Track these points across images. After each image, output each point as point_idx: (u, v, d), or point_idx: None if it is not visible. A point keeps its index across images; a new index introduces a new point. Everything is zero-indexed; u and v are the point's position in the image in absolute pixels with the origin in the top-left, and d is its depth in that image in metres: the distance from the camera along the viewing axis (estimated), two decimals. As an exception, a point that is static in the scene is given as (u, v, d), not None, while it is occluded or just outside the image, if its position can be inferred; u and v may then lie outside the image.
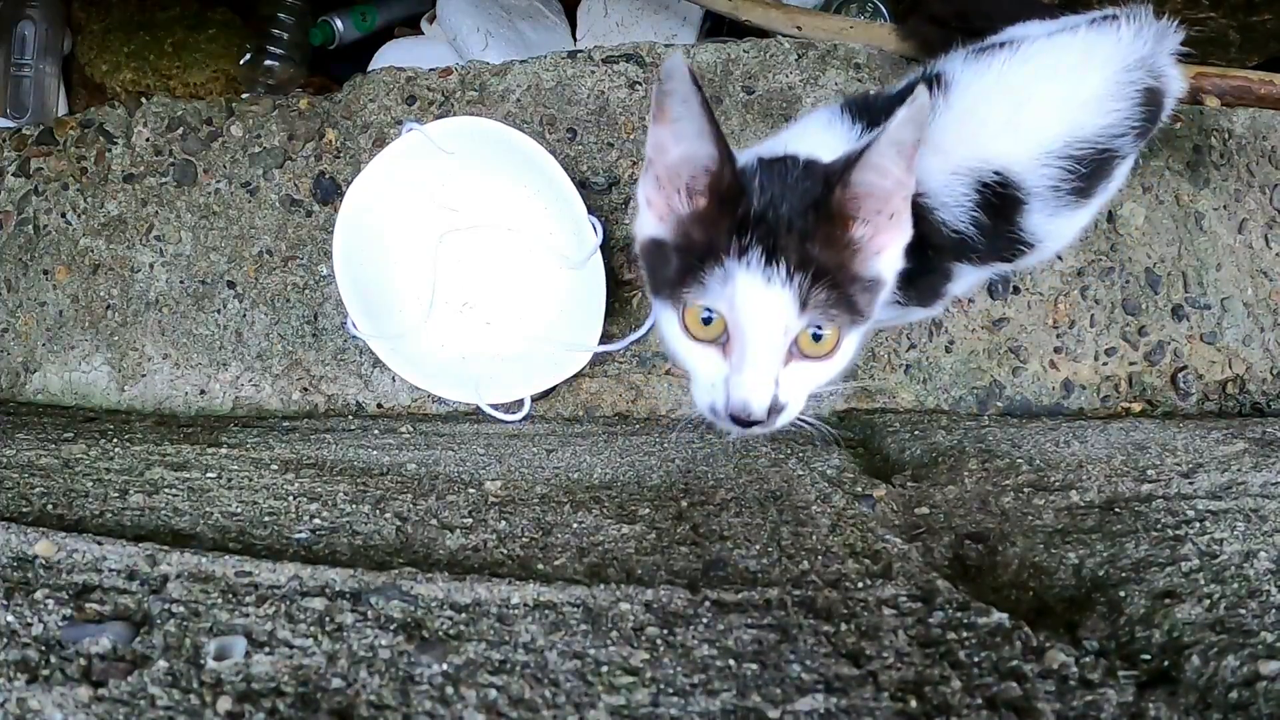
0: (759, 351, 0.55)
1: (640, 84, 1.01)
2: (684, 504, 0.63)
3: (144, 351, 1.08)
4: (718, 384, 0.58)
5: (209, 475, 0.74)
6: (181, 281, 1.08)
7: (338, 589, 0.51)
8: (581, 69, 1.02)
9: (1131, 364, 1.07)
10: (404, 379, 0.95)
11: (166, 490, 0.71)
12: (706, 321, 0.57)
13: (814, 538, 0.56)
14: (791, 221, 0.55)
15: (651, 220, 0.61)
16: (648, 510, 0.62)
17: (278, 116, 1.08)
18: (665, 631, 0.43)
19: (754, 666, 0.40)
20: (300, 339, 1.05)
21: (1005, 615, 0.47)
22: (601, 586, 0.48)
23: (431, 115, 1.03)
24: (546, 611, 0.46)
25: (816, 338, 0.57)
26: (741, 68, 1.01)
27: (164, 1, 1.36)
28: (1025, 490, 0.70)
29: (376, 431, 0.89)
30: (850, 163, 0.54)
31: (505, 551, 0.56)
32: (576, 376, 0.96)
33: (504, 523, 0.61)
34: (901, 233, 0.59)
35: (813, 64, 1.01)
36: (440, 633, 0.46)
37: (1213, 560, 0.57)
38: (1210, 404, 1.09)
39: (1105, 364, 1.06)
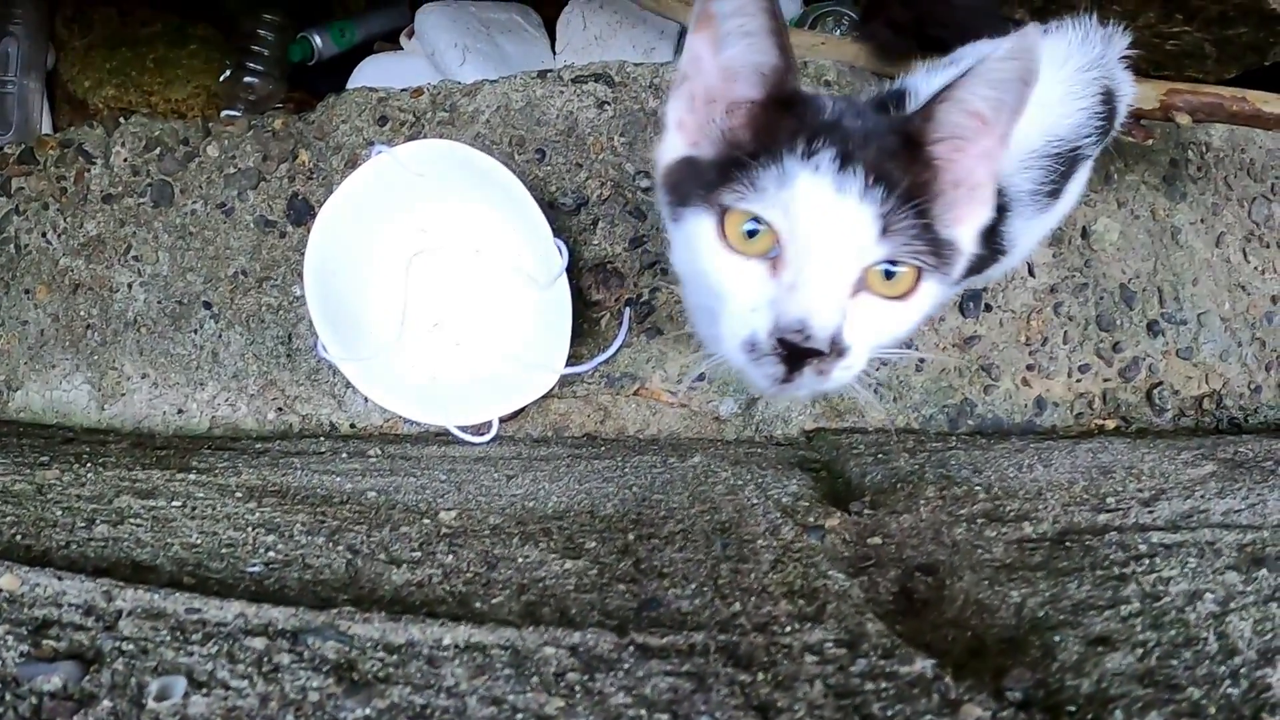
0: (825, 267, 0.46)
1: (609, 103, 1.02)
2: (631, 537, 0.65)
3: (123, 371, 1.11)
4: (761, 307, 0.48)
5: (174, 504, 0.77)
6: (159, 301, 1.10)
7: (279, 628, 0.53)
8: (551, 89, 1.03)
9: (1106, 380, 1.07)
10: (374, 401, 0.96)
11: (131, 520, 0.73)
12: (751, 234, 0.48)
13: (753, 575, 0.58)
14: (870, 135, 0.48)
15: (680, 143, 0.53)
16: (594, 544, 0.64)
17: (252, 137, 1.10)
18: (586, 677, 0.45)
19: (664, 717, 0.42)
20: (275, 359, 1.07)
21: (930, 663, 0.49)
22: (531, 629, 0.50)
23: (403, 136, 1.05)
24: (475, 654, 0.48)
25: (889, 275, 0.48)
26: (711, 87, 1.02)
27: (146, 17, 1.38)
28: (979, 521, 0.72)
29: (345, 455, 0.91)
30: (938, 95, 0.47)
31: (448, 588, 0.57)
32: (546, 397, 0.97)
33: (452, 556, 0.62)
34: (982, 208, 0.52)
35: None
36: (370, 675, 0.47)
37: (1154, 603, 0.58)
38: (1187, 419, 1.10)
39: (1079, 381, 1.06)
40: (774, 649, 0.48)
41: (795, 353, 0.47)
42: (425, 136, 1.04)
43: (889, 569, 0.65)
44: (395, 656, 0.49)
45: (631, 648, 0.47)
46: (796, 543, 0.65)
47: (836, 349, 0.48)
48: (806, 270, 0.47)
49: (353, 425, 1.05)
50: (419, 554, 0.63)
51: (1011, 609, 0.58)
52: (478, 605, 0.54)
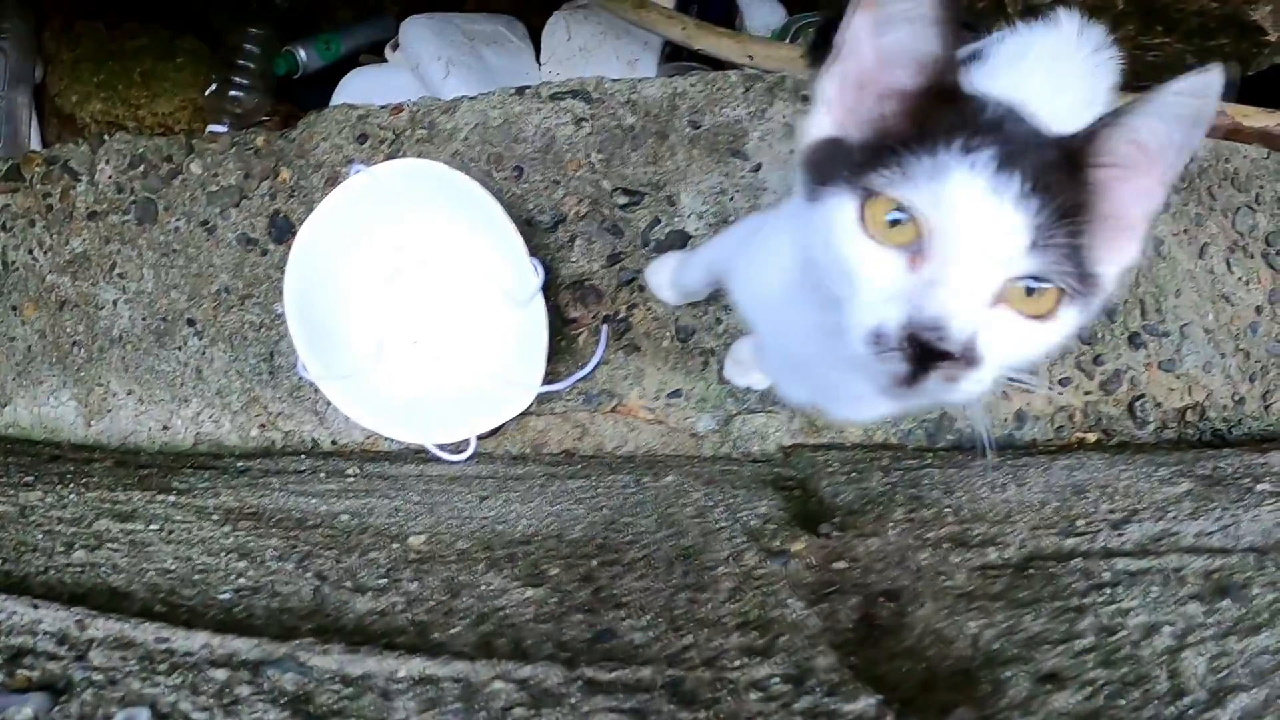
0: (970, 268, 0.45)
1: (586, 120, 1.04)
2: (594, 563, 0.67)
3: (109, 387, 1.13)
4: (897, 297, 0.45)
5: (152, 527, 0.79)
6: (144, 319, 1.12)
7: (242, 659, 0.55)
8: (529, 106, 1.04)
9: (1087, 394, 1.08)
10: (353, 420, 0.98)
11: (110, 545, 0.75)
12: (894, 224, 0.46)
13: (709, 606, 0.59)
14: (1032, 143, 0.46)
15: (827, 122, 0.51)
16: (557, 570, 0.66)
17: (235, 154, 1.12)
18: (533, 713, 0.47)
19: (603, 753, 0.43)
20: (258, 376, 1.09)
21: (875, 700, 0.50)
22: (484, 661, 0.51)
23: (382, 154, 1.06)
24: (427, 687, 0.50)
25: (1030, 292, 0.46)
26: (688, 102, 1.04)
27: (133, 30, 1.40)
28: (945, 545, 0.73)
29: (323, 474, 0.93)
30: (1104, 118, 0.45)
31: (409, 617, 0.59)
32: (524, 415, 0.99)
33: (416, 584, 0.64)
34: (1131, 249, 0.49)
35: (760, 96, 1.04)
36: (325, 708, 0.49)
37: (1109, 637, 0.59)
38: (1169, 432, 1.11)
39: (1060, 394, 1.08)
40: (720, 684, 0.49)
41: (924, 354, 0.44)
42: (404, 154, 1.06)
43: (851, 595, 0.66)
44: (351, 689, 0.51)
45: (580, 682, 0.49)
46: (759, 569, 0.67)
47: (968, 357, 0.45)
48: (950, 268, 0.45)
49: (334, 442, 1.07)
50: (384, 581, 0.65)
51: (968, 640, 0.60)
52: (435, 635, 0.56)
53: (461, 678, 0.50)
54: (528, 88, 1.06)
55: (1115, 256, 0.49)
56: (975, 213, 0.44)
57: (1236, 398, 1.11)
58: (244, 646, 0.56)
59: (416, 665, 0.52)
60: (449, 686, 0.50)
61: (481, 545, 0.72)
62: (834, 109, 0.51)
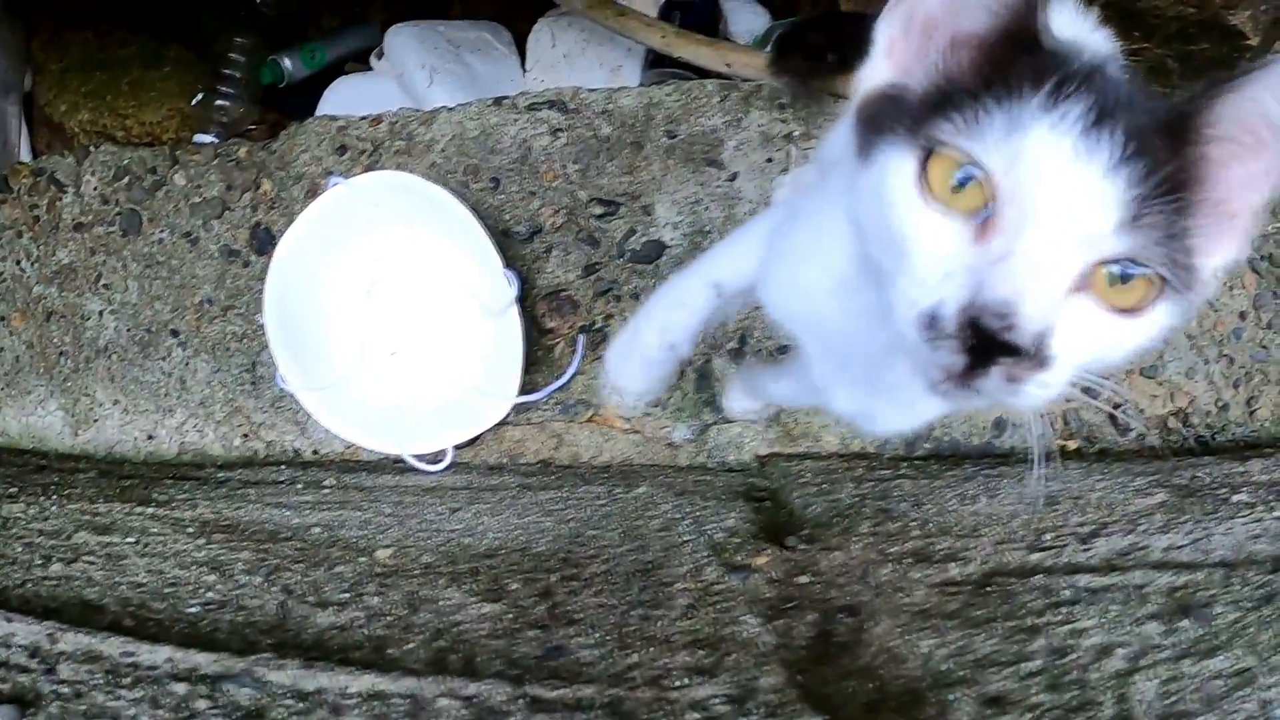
0: (1050, 243, 0.38)
1: (562, 131, 1.05)
2: (554, 578, 0.69)
3: (95, 398, 1.16)
4: (957, 272, 0.39)
5: (128, 540, 0.81)
6: (129, 330, 1.15)
7: (202, 673, 0.58)
8: (505, 117, 1.06)
9: (1067, 400, 1.09)
10: (332, 431, 1.01)
11: (86, 558, 0.78)
12: (961, 185, 0.39)
13: (661, 623, 0.61)
14: (1133, 100, 0.40)
15: (886, 69, 0.45)
16: (517, 585, 0.68)
17: (217, 166, 1.14)
18: (472, 730, 0.49)
19: (538, 771, 0.45)
20: (240, 386, 1.11)
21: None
22: (433, 678, 0.54)
23: (361, 165, 1.08)
24: (376, 703, 0.52)
25: (1124, 279, 0.39)
26: (664, 111, 1.05)
27: (121, 40, 1.43)
28: (907, 560, 0.74)
29: (300, 485, 0.95)
30: (1224, 84, 0.39)
31: (367, 632, 0.61)
32: (501, 425, 1.01)
33: (379, 598, 0.66)
34: (1236, 244, 0.43)
35: (736, 105, 1.05)
36: (276, 724, 0.51)
37: (1060, 660, 0.60)
38: (1152, 438, 1.11)
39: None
40: (660, 704, 0.51)
41: (986, 345, 0.37)
42: (383, 165, 1.08)
43: (810, 611, 0.68)
44: (303, 704, 0.53)
45: (523, 700, 0.51)
46: (717, 585, 0.68)
47: (1039, 355, 0.38)
48: (1026, 241, 0.38)
49: (315, 452, 1.09)
50: (348, 595, 0.67)
51: (920, 660, 0.61)
52: (391, 651, 0.58)
53: (411, 694, 0.52)
54: (505, 98, 1.08)
55: (1218, 249, 0.42)
56: (1059, 177, 0.37)
57: (1220, 404, 1.12)
58: (205, 661, 0.58)
59: (368, 681, 0.54)
60: (397, 703, 0.52)
61: (447, 559, 0.74)
62: (896, 54, 0.44)
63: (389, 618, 0.63)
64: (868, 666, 0.62)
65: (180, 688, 0.56)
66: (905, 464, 1.01)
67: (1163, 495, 0.91)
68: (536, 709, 0.50)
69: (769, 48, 1.19)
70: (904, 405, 0.57)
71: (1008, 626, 0.64)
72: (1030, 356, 0.38)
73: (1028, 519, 0.84)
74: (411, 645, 0.59)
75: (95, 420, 1.16)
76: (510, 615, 0.63)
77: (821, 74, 0.79)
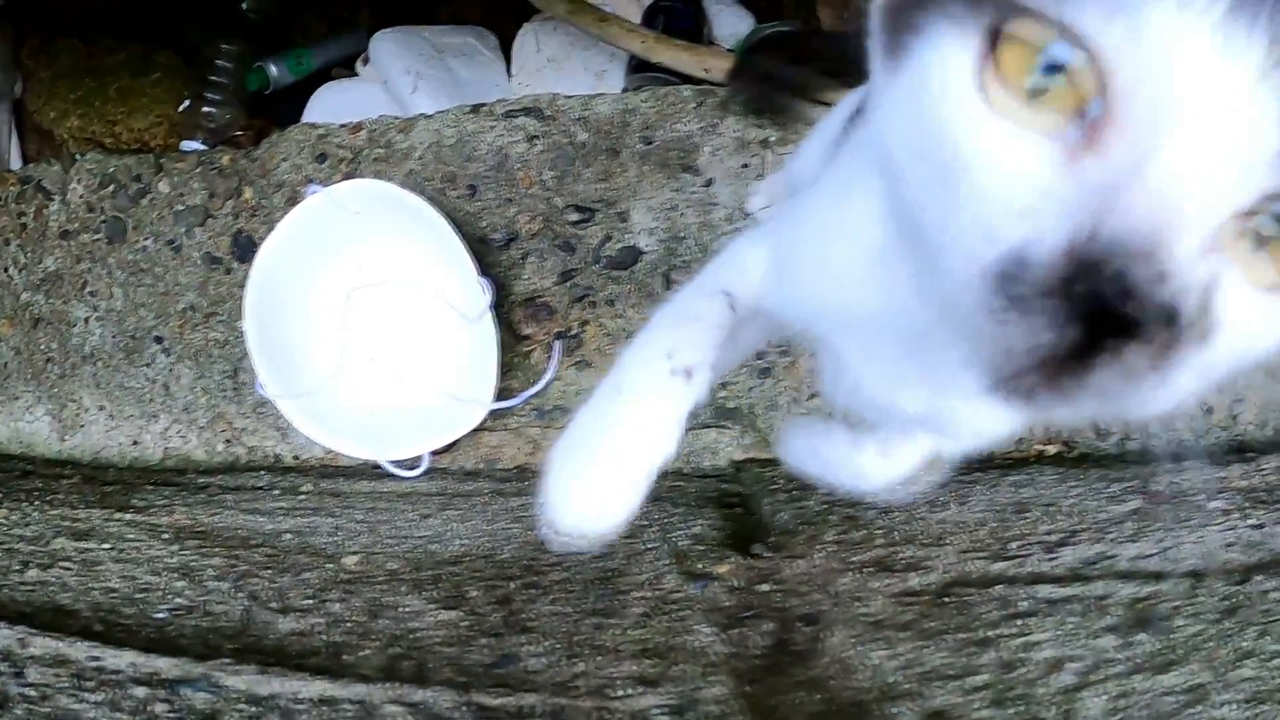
0: (1202, 154, 0.25)
1: (539, 138, 1.07)
2: (514, 586, 0.71)
3: (81, 403, 1.19)
4: (1045, 205, 0.27)
5: (104, 545, 0.84)
6: (114, 336, 1.18)
7: (163, 677, 0.60)
8: (482, 124, 1.08)
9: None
10: (310, 438, 1.03)
11: (62, 564, 0.81)
12: (1041, 90, 0.27)
13: (613, 632, 0.63)
14: None
15: None
16: (477, 593, 0.70)
17: (200, 174, 1.17)
18: (416, 735, 0.51)
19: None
20: (223, 393, 1.14)
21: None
22: (383, 685, 0.56)
23: (341, 173, 1.11)
24: (326, 708, 0.54)
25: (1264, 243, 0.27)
26: (640, 118, 1.07)
27: (110, 47, 1.46)
28: (868, 569, 0.76)
29: (278, 491, 0.98)
30: None
31: (326, 638, 0.64)
32: (478, 430, 1.03)
33: (341, 604, 0.69)
34: None
35: (712, 111, 1.07)
36: (229, 728, 0.54)
37: (1008, 674, 0.61)
38: (1133, 442, 1.12)
39: (1019, 407, 1.09)
40: (601, 713, 0.53)
41: (1103, 314, 0.25)
42: (362, 173, 1.10)
43: (768, 620, 0.69)
44: (256, 709, 0.55)
45: (468, 707, 0.53)
46: (675, 593, 0.70)
47: (1201, 323, 0.26)
48: (1169, 149, 0.25)
49: (296, 457, 1.12)
50: (311, 602, 0.70)
51: (870, 671, 0.62)
52: (346, 657, 0.61)
53: (361, 700, 0.55)
54: (483, 105, 1.10)
55: None
56: (1198, 71, 0.25)
57: (1204, 407, 1.13)
58: (166, 665, 0.61)
59: (320, 687, 0.56)
60: (347, 708, 0.54)
61: (412, 565, 0.76)
62: None
63: (349, 624, 0.66)
64: (819, 677, 0.63)
65: (141, 691, 0.59)
66: (880, 470, 1.02)
67: (1137, 502, 0.92)
68: (480, 716, 0.52)
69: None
70: (964, 418, 0.45)
71: (960, 639, 0.65)
72: (1179, 329, 0.25)
73: (996, 526, 0.85)
74: (367, 652, 0.61)
75: (82, 426, 1.19)
76: (467, 623, 0.65)
77: (777, 94, 0.81)
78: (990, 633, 0.66)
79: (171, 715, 0.56)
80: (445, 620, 0.65)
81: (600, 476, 0.49)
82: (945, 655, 0.63)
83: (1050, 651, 0.63)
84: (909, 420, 0.51)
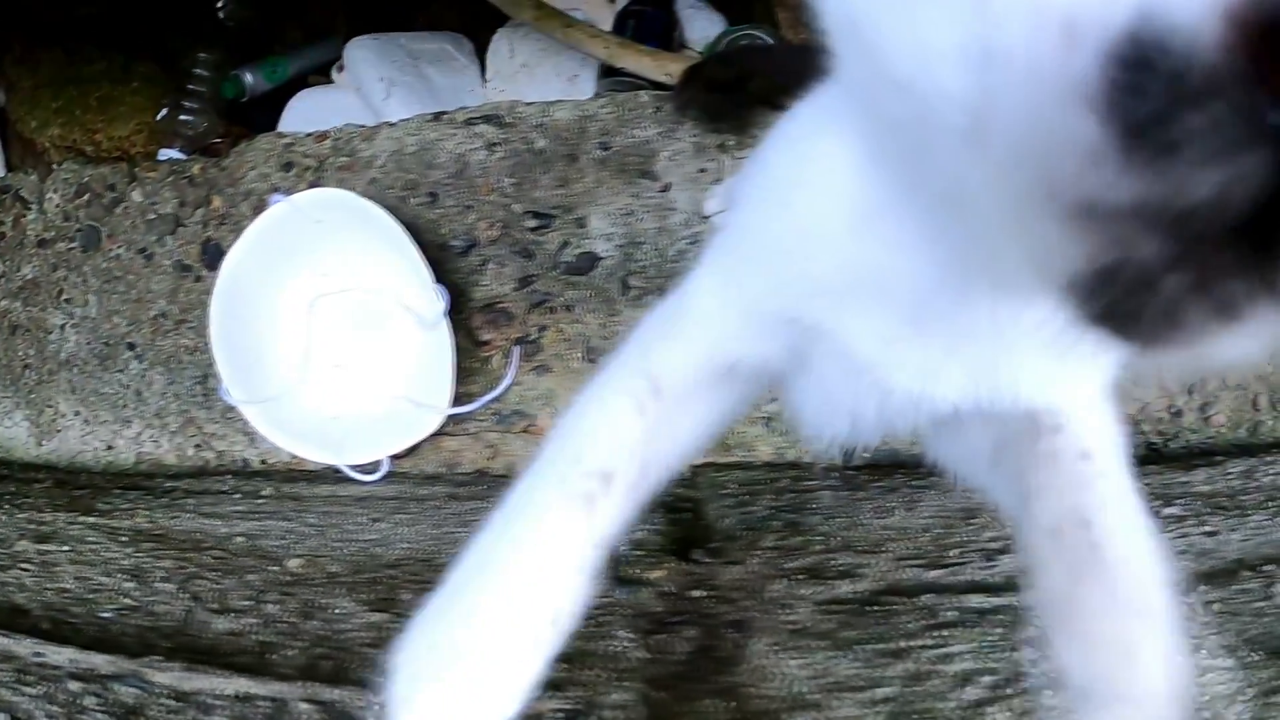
0: None
1: (498, 145, 1.11)
2: (445, 587, 0.74)
3: (58, 409, 1.24)
4: None
5: (64, 548, 0.89)
6: (88, 343, 1.23)
7: (98, 673, 0.64)
8: (443, 132, 1.12)
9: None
10: (272, 442, 1.07)
11: (22, 565, 0.85)
12: None
13: (530, 630, 0.66)
14: None
15: None
16: (410, 596, 0.73)
17: (171, 183, 1.21)
18: (322, 729, 0.54)
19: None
20: (193, 398, 1.19)
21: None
22: (300, 684, 0.59)
23: (306, 182, 1.15)
24: (242, 705, 0.58)
25: None
26: (598, 124, 1.10)
27: (90, 56, 1.51)
28: (800, 576, 0.78)
29: (238, 495, 1.02)
30: None
31: (257, 638, 0.67)
32: (439, 435, 1.07)
33: (277, 606, 0.73)
34: None
35: (670, 116, 1.10)
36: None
37: (914, 686, 0.63)
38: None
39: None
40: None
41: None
42: (326, 182, 1.14)
43: (695, 627, 0.72)
44: (178, 704, 0.59)
45: (377, 706, 0.56)
46: (603, 598, 0.73)
47: None
48: None
49: (263, 461, 1.16)
50: (250, 603, 0.74)
51: (782, 681, 0.64)
52: (272, 657, 0.64)
53: (276, 697, 0.58)
54: (444, 113, 1.13)
55: None
56: None
57: (1173, 410, 1.14)
58: (102, 662, 0.65)
59: (241, 684, 0.60)
60: (262, 705, 0.58)
61: (353, 569, 0.80)
62: None
63: (281, 624, 0.69)
64: (737, 685, 0.66)
65: (76, 686, 0.63)
66: (835, 475, 1.05)
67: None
68: (385, 715, 0.55)
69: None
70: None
71: (874, 649, 0.67)
72: None
73: (940, 533, 0.87)
74: (292, 652, 0.65)
75: (58, 431, 1.24)
76: (394, 625, 0.68)
77: (722, 109, 0.84)
78: (907, 643, 0.67)
79: (100, 708, 0.60)
80: (373, 622, 0.69)
81: (463, 681, 0.37)
82: (857, 666, 0.65)
83: (966, 664, 0.65)
84: (948, 420, 0.40)
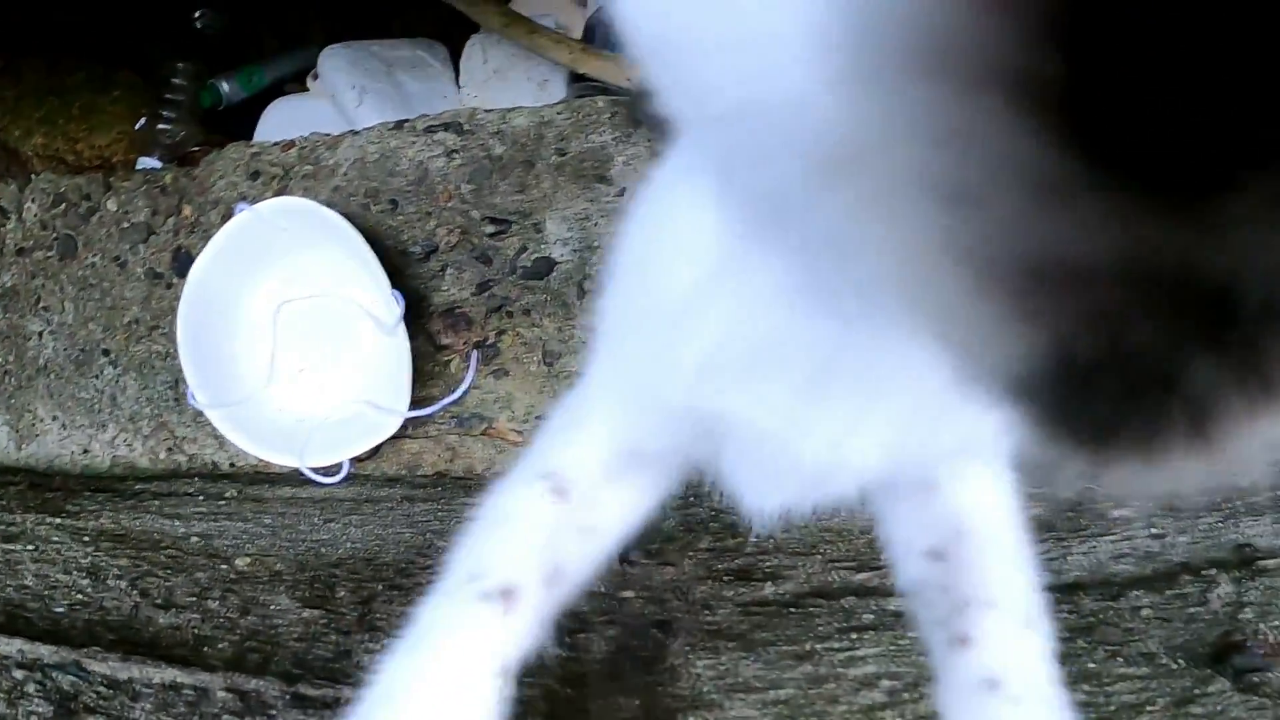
0: None
1: (457, 152, 1.16)
2: (380, 587, 0.79)
3: (37, 414, 1.30)
4: None
5: (29, 548, 0.94)
6: (65, 349, 1.29)
7: (43, 662, 0.70)
8: (405, 139, 1.17)
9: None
10: (236, 445, 1.13)
11: (-14, 563, 0.91)
12: None
13: (453, 625, 0.71)
14: None
15: None
16: (345, 593, 0.78)
17: (144, 192, 1.27)
18: (235, 718, 0.59)
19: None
20: (165, 403, 1.24)
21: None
22: (224, 674, 0.64)
23: (273, 190, 1.20)
24: (169, 693, 0.63)
25: None
26: (555, 130, 1.15)
27: (71, 66, 1.58)
28: (728, 577, 0.82)
29: (202, 497, 1.08)
30: None
31: (195, 632, 0.72)
32: (400, 438, 1.12)
33: (218, 603, 0.78)
34: None
35: (625, 121, 1.14)
36: (83, 705, 0.63)
37: (814, 689, 0.66)
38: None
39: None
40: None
41: None
42: (292, 190, 1.20)
43: (616, 627, 0.76)
44: (111, 691, 0.64)
45: (289, 696, 0.61)
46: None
47: None
48: None
49: (232, 464, 1.22)
50: (194, 599, 0.79)
51: (689, 680, 0.68)
52: (205, 649, 0.69)
53: (201, 686, 0.63)
54: (405, 121, 1.18)
55: None
56: None
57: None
58: (47, 652, 0.70)
59: (170, 674, 0.65)
60: (186, 693, 0.63)
61: (297, 567, 0.85)
62: None
63: (219, 619, 0.74)
64: (650, 684, 0.70)
65: (20, 674, 0.68)
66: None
67: (1038, 511, 0.96)
68: (296, 705, 0.60)
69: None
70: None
71: (782, 651, 0.70)
72: None
73: (875, 537, 0.90)
74: (225, 645, 0.70)
75: (37, 435, 1.30)
76: (324, 621, 0.73)
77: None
78: (817, 646, 0.71)
79: (40, 694, 0.65)
80: (305, 618, 0.74)
81: None
82: (760, 667, 0.68)
83: (870, 668, 0.68)
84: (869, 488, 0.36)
